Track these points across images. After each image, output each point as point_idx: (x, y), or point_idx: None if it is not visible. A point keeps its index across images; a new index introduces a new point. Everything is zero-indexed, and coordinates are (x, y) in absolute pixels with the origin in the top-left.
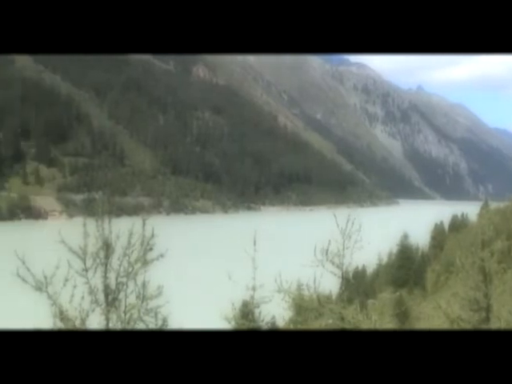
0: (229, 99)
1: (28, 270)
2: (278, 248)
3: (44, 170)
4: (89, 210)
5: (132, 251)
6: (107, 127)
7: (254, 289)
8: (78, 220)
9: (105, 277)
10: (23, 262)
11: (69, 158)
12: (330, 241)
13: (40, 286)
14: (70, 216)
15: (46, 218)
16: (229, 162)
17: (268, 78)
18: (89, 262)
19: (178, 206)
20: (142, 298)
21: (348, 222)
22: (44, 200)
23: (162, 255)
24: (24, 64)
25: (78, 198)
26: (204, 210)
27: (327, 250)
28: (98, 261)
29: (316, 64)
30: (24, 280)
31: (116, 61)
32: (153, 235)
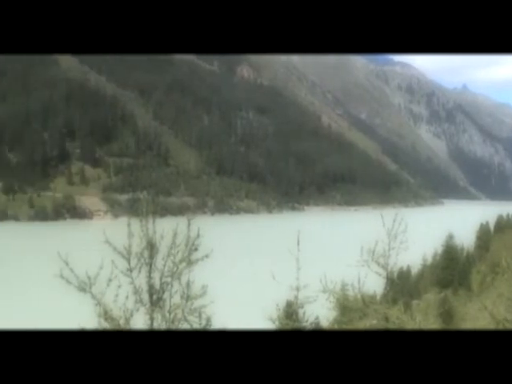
0: (273, 99)
1: (72, 271)
2: (322, 248)
3: (89, 171)
4: (133, 209)
5: (177, 251)
6: (152, 127)
7: (297, 289)
8: (123, 220)
9: (149, 277)
10: (67, 264)
11: (114, 158)
12: (376, 241)
13: (83, 287)
14: (115, 216)
15: (90, 217)
16: (273, 162)
17: (312, 78)
18: (133, 262)
19: (223, 206)
20: (187, 297)
21: (394, 222)
22: (89, 200)
23: (206, 255)
24: (69, 65)
25: (123, 197)
26: (248, 210)
27: (373, 251)
28: (142, 261)
29: (360, 64)
30: (68, 281)
31: (160, 61)
32: (198, 235)
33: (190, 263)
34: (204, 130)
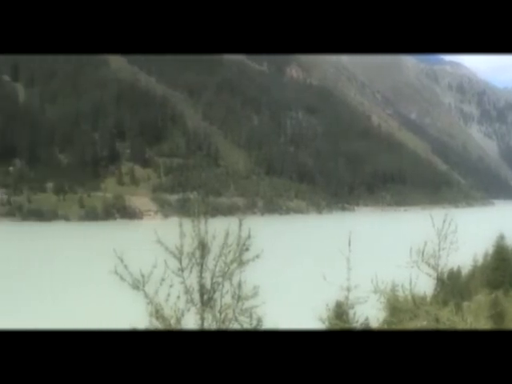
0: (322, 99)
1: (126, 268)
2: (371, 249)
3: (139, 171)
4: (184, 210)
5: (229, 251)
6: (202, 128)
7: (348, 289)
8: (173, 220)
9: (200, 277)
10: (121, 261)
11: (164, 158)
12: (426, 242)
13: (137, 285)
14: (165, 216)
15: (141, 217)
16: (323, 162)
17: (362, 78)
18: (185, 262)
19: (273, 206)
20: (238, 298)
21: (444, 222)
22: (139, 200)
23: (257, 256)
24: (119, 65)
25: (173, 198)
26: (298, 211)
27: (423, 251)
28: (193, 261)
29: (410, 63)
30: (122, 278)
31: (210, 62)
32: (249, 236)
33: (241, 263)
34: (253, 131)
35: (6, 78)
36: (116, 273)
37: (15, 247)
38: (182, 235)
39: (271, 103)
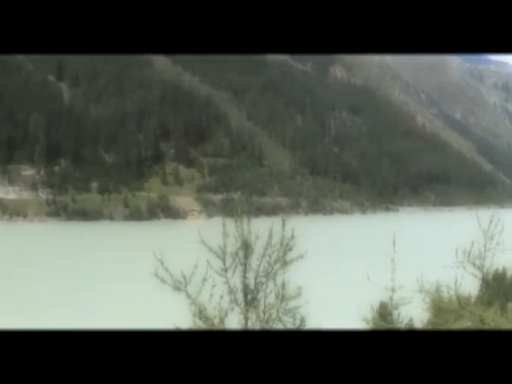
0: (366, 99)
1: (167, 270)
2: (416, 249)
3: (183, 171)
4: (227, 210)
5: (272, 251)
6: (246, 128)
7: (392, 290)
8: (217, 220)
9: (244, 277)
10: (161, 263)
11: (208, 158)
12: (472, 242)
13: (178, 286)
14: (209, 216)
15: (185, 217)
16: (367, 162)
17: (406, 77)
18: (228, 262)
19: (316, 206)
20: (281, 298)
21: (490, 223)
22: (183, 200)
23: (301, 256)
24: (163, 66)
25: (217, 198)
26: (342, 211)
27: (469, 252)
28: (237, 261)
29: (455, 63)
30: (163, 280)
31: (254, 62)
32: (292, 236)
33: (285, 263)
34: (297, 131)
35: (51, 78)
36: (157, 275)
37: (60, 247)
38: (226, 235)
39: (315, 103)
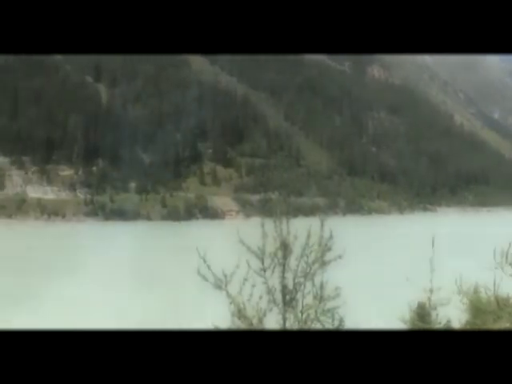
0: (404, 99)
1: (209, 268)
2: (454, 249)
3: (221, 171)
4: (265, 210)
5: (310, 252)
6: (283, 128)
7: (431, 291)
8: (255, 220)
9: (282, 277)
10: (204, 261)
11: (245, 158)
12: (510, 243)
13: (220, 285)
14: (247, 216)
15: (222, 217)
16: (405, 162)
17: (444, 77)
18: (267, 262)
19: (354, 206)
20: (320, 298)
21: None
22: (221, 200)
23: (339, 256)
24: (200, 66)
25: (255, 198)
26: (380, 211)
27: (507, 253)
28: (276, 261)
29: (492, 63)
30: (204, 278)
31: (291, 62)
32: (331, 236)
33: (323, 264)
34: (335, 131)
35: (89, 79)
36: (199, 273)
37: (100, 246)
38: (264, 235)
39: (353, 103)
